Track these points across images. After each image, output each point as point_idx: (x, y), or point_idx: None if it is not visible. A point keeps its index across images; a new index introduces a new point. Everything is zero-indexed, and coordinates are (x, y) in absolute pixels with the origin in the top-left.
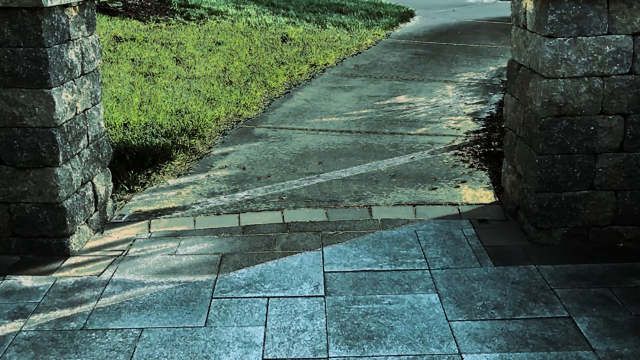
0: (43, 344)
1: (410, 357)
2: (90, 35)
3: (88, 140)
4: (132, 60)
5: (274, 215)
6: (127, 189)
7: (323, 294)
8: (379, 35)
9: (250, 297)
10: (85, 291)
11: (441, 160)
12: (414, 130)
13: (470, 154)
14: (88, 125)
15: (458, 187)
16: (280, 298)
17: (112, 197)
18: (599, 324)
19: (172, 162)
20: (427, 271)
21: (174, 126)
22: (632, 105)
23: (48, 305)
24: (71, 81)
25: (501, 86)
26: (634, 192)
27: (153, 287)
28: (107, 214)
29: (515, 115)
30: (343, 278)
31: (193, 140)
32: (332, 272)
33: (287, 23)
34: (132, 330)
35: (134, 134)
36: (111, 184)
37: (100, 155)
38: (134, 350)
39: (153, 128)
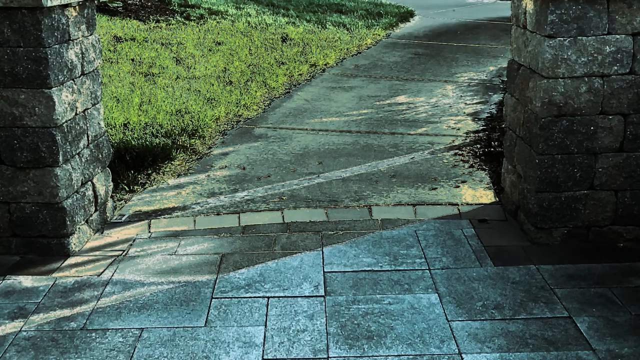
0: (43, 344)
1: (410, 357)
2: (90, 35)
3: (88, 140)
4: (132, 60)
5: (274, 215)
6: (127, 189)
7: (323, 294)
8: (379, 35)
9: (250, 297)
10: (85, 291)
11: (441, 160)
12: (414, 130)
13: (470, 154)
14: (88, 125)
15: (458, 187)
16: (280, 298)
17: (112, 197)
18: (599, 324)
19: (172, 162)
20: (427, 271)
21: (174, 126)
22: (632, 105)
23: (48, 305)
24: (71, 81)
25: (501, 86)
26: (634, 192)
27: (153, 287)
28: (107, 214)
29: (515, 115)
30: (343, 278)
31: (193, 140)
32: (332, 272)
33: (287, 23)
34: (132, 330)
35: (134, 134)
36: (111, 184)
37: (100, 155)
38: (134, 350)
39: (153, 128)
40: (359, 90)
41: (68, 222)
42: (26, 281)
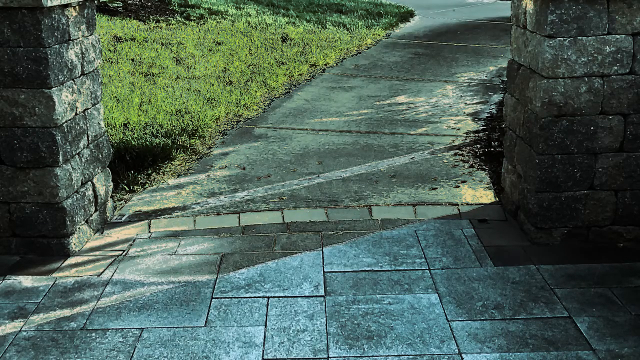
0: (43, 344)
1: (410, 357)
2: (90, 35)
3: (88, 140)
4: (132, 60)
5: (274, 215)
6: (127, 189)
7: (323, 294)
8: (379, 35)
9: (250, 297)
10: (85, 291)
11: (441, 160)
12: (414, 130)
13: (470, 154)
14: (88, 125)
15: (458, 187)
16: (280, 298)
17: (112, 197)
18: (599, 324)
19: (172, 162)
20: (427, 271)
21: (174, 126)
22: (632, 105)
23: (48, 305)
24: (71, 81)
25: (501, 86)
26: (634, 192)
27: (153, 287)
28: (107, 214)
29: (515, 115)
30: (343, 278)
31: (193, 140)
32: (332, 272)
33: (287, 23)
34: (132, 330)
35: (134, 134)
36: (111, 184)
37: (100, 155)
38: (134, 350)
39: (153, 128)
40: (359, 90)
41: (68, 222)
42: (26, 281)
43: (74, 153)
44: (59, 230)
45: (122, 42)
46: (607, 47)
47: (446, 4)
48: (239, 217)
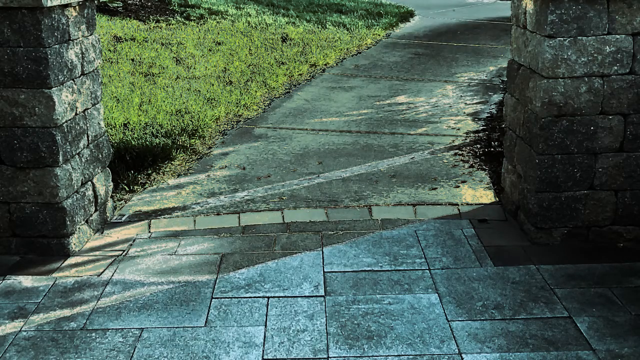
0: (43, 344)
1: (410, 357)
2: (90, 35)
3: (88, 140)
4: (132, 60)
5: (274, 215)
6: (127, 189)
7: (323, 294)
8: (379, 35)
9: (250, 297)
10: (85, 291)
11: (441, 160)
12: (414, 130)
13: (470, 154)
14: (88, 125)
15: (458, 187)
16: (280, 298)
17: (112, 197)
18: (599, 324)
19: (172, 162)
20: (427, 271)
21: (174, 126)
22: (632, 105)
23: (48, 305)
24: (71, 81)
25: (501, 86)
26: (634, 192)
27: (153, 287)
28: (107, 214)
29: (515, 115)
30: (343, 278)
31: (193, 140)
32: (332, 272)
33: (287, 23)
34: (132, 330)
35: (134, 134)
36: (111, 184)
37: (100, 155)
38: (134, 350)
39: (153, 128)
40: (359, 90)
41: (68, 222)
42: (26, 281)
43: (74, 153)
44: (59, 230)
45: (122, 42)
46: (607, 47)
47: (446, 4)
48: (239, 217)
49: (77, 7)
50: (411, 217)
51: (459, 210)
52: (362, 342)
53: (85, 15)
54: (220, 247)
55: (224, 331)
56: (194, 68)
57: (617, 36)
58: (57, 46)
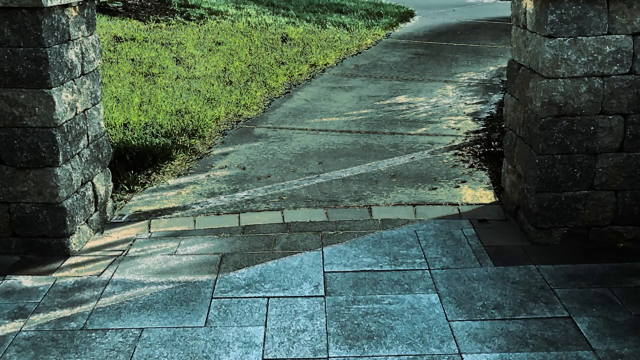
0: (43, 344)
1: (410, 357)
2: (90, 35)
3: (88, 140)
4: (132, 60)
5: (274, 215)
6: (127, 189)
7: (323, 294)
8: (379, 35)
9: (250, 297)
10: (85, 291)
11: (441, 160)
12: (414, 130)
13: (470, 154)
14: (88, 125)
15: (458, 187)
16: (280, 298)
17: (112, 197)
18: (599, 324)
19: (172, 162)
20: (427, 271)
21: (174, 126)
22: (632, 105)
23: (48, 305)
24: (71, 81)
25: (501, 86)
26: (634, 192)
27: (153, 287)
28: (107, 214)
29: (515, 115)
30: (343, 278)
31: (193, 140)
32: (332, 272)
33: (287, 23)
34: (132, 330)
35: (134, 134)
36: (111, 184)
37: (100, 155)
38: (134, 350)
39: (153, 128)
40: (359, 90)
41: (68, 222)
42: (26, 281)
43: (74, 153)
44: (59, 230)
45: (122, 42)
46: (607, 47)
47: (446, 4)
48: (239, 217)
49: (77, 7)
50: (411, 217)
51: (459, 210)
52: (362, 342)
53: (85, 15)
54: (220, 247)
55: (224, 331)
56: (194, 68)
57: (617, 36)
58: (57, 46)
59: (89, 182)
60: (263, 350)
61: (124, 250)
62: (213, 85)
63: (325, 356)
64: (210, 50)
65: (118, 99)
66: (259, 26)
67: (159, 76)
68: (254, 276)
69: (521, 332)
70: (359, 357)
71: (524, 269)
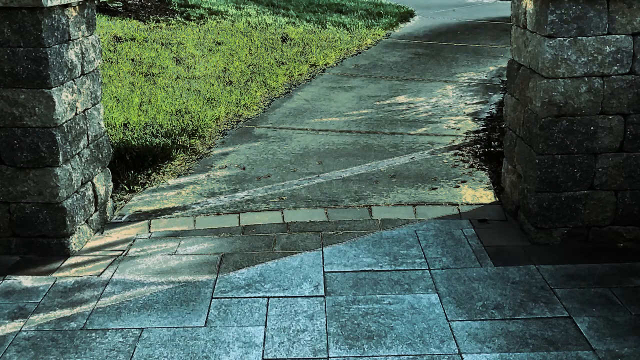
0: (43, 344)
1: (410, 357)
2: (90, 35)
3: (88, 140)
4: (132, 60)
5: (274, 215)
6: (127, 189)
7: (323, 294)
8: (379, 35)
9: (250, 297)
10: (85, 291)
11: (441, 160)
12: (414, 130)
13: (470, 154)
14: (88, 125)
15: (458, 187)
16: (280, 298)
17: (112, 197)
18: (599, 324)
19: (172, 162)
20: (427, 271)
21: (174, 126)
22: (632, 105)
23: (48, 305)
24: (71, 81)
25: (501, 86)
26: (634, 192)
27: (153, 287)
28: (107, 214)
29: (515, 115)
30: (343, 278)
31: (193, 140)
32: (332, 272)
33: (287, 23)
34: (132, 330)
35: (134, 134)
36: (111, 184)
37: (100, 155)
38: (134, 350)
39: (153, 128)
40: (359, 90)
41: (68, 222)
42: (26, 281)
43: (74, 153)
44: (59, 230)
45: (122, 42)
46: (607, 47)
47: (446, 4)
48: (239, 217)
49: (77, 7)
50: (411, 217)
51: (459, 210)
52: (362, 342)
53: (85, 15)
54: (220, 247)
55: (224, 331)
56: (194, 68)
57: (617, 36)
58: (57, 46)
59: (89, 182)
60: (263, 350)
61: (124, 250)
62: (213, 85)
63: (325, 356)
64: (210, 50)
65: (118, 99)
66: (259, 26)
67: (159, 76)
68: (254, 276)
69: (521, 332)
70: (359, 357)
71: (524, 269)
